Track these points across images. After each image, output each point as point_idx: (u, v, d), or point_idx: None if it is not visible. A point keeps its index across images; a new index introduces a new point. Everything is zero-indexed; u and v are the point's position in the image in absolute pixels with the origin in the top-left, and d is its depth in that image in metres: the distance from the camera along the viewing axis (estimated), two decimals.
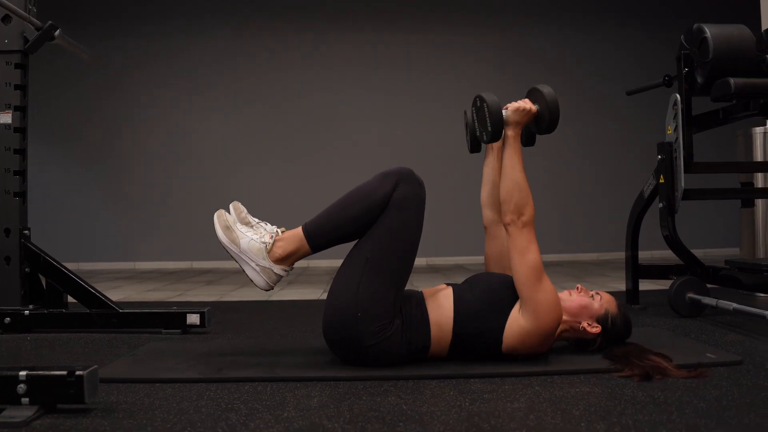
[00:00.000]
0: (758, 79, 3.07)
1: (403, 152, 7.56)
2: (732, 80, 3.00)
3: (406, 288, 2.20)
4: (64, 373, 1.66)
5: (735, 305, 2.82)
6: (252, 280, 2.15)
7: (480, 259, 7.16)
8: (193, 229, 7.51)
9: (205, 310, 3.00)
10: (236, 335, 2.94)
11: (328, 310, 2.12)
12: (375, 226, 2.12)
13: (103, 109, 7.72)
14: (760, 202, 4.09)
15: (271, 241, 2.13)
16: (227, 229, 2.15)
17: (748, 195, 4.12)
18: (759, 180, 4.07)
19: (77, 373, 1.65)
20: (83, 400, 1.66)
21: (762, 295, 3.82)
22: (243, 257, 2.13)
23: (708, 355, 2.25)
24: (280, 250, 2.13)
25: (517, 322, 2.11)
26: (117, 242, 7.66)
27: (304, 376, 2.05)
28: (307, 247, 2.14)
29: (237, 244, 2.13)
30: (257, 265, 2.12)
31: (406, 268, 2.13)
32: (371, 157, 7.50)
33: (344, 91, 7.82)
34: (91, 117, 7.71)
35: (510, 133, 2.23)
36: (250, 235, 2.14)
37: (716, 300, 3.00)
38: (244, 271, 2.14)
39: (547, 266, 6.75)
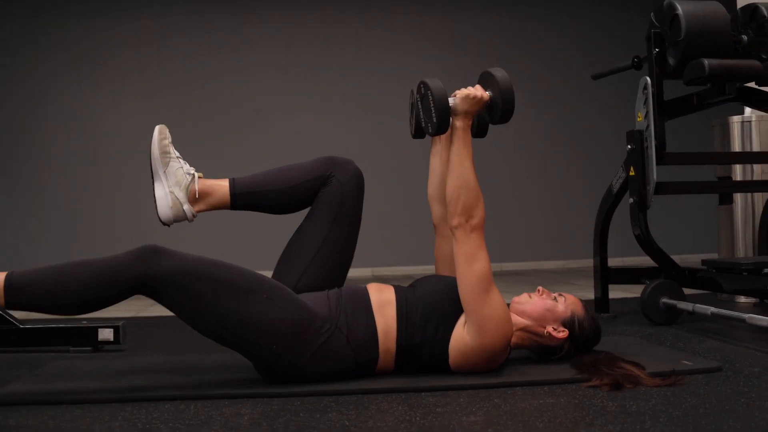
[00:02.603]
0: (734, 60, 3.15)
1: (339, 145, 7.33)
2: (706, 61, 3.07)
3: (346, 282, 2.25)
4: None
5: (713, 309, 2.89)
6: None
7: (433, 269, 7.18)
8: (109, 239, 7.33)
9: (120, 324, 2.95)
10: (155, 352, 2.90)
11: (250, 360, 2.14)
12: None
13: (3, 106, 7.53)
14: (738, 198, 4.18)
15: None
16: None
17: (726, 189, 4.21)
18: (737, 173, 4.17)
19: None
20: None
21: (743, 299, 3.92)
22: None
23: (684, 362, 2.30)
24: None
25: (461, 337, 2.12)
26: (22, 255, 7.45)
27: (233, 393, 2.04)
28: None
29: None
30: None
31: (252, 280, 2.08)
32: (304, 152, 7.39)
33: (272, 78, 7.67)
34: None
35: (459, 123, 2.20)
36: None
37: (693, 305, 3.06)
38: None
39: (507, 275, 6.86)
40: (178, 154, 2.29)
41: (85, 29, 7.62)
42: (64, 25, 7.60)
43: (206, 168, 2.48)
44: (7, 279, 1.96)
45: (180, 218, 2.23)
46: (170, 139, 2.29)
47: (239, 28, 7.77)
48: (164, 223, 2.24)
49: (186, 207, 2.22)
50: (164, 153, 2.24)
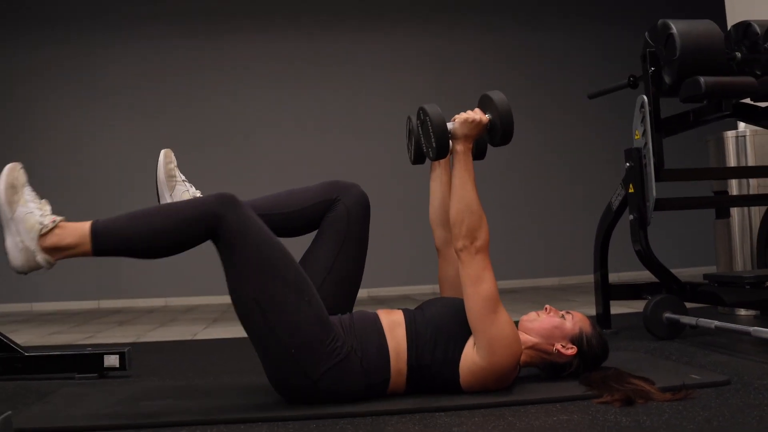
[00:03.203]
0: (729, 77, 3.21)
1: (336, 166, 7.33)
2: (702, 79, 3.12)
3: (355, 307, 2.27)
4: None
5: (717, 323, 2.92)
6: (8, 253, 2.03)
7: (431, 288, 7.20)
8: (99, 263, 7.35)
9: (125, 350, 2.95)
10: (163, 377, 2.90)
11: (264, 363, 2.15)
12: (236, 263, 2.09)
13: None
14: (735, 212, 4.23)
15: (50, 225, 2.02)
16: (11, 188, 2.04)
17: (725, 203, 4.25)
18: (733, 188, 4.22)
19: None
20: None
21: (743, 312, 3.95)
22: (12, 225, 2.02)
23: (692, 376, 2.32)
24: (55, 239, 2.03)
25: (471, 358, 2.14)
26: (9, 280, 7.43)
27: (248, 417, 2.05)
28: (89, 245, 2.03)
29: (12, 209, 2.03)
30: (21, 241, 2.02)
31: (302, 278, 2.12)
32: (302, 172, 7.43)
33: (264, 97, 7.72)
34: None
35: (459, 147, 2.22)
36: (32, 207, 2.05)
37: (696, 319, 3.09)
38: (5, 239, 2.03)
39: (504, 294, 6.81)
40: (183, 177, 2.32)
41: (77, 50, 7.62)
42: (56, 44, 7.59)
43: (205, 185, 2.51)
44: (93, 227, 2.02)
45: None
46: (176, 163, 2.32)
47: (234, 50, 7.79)
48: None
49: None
50: (170, 177, 2.28)
